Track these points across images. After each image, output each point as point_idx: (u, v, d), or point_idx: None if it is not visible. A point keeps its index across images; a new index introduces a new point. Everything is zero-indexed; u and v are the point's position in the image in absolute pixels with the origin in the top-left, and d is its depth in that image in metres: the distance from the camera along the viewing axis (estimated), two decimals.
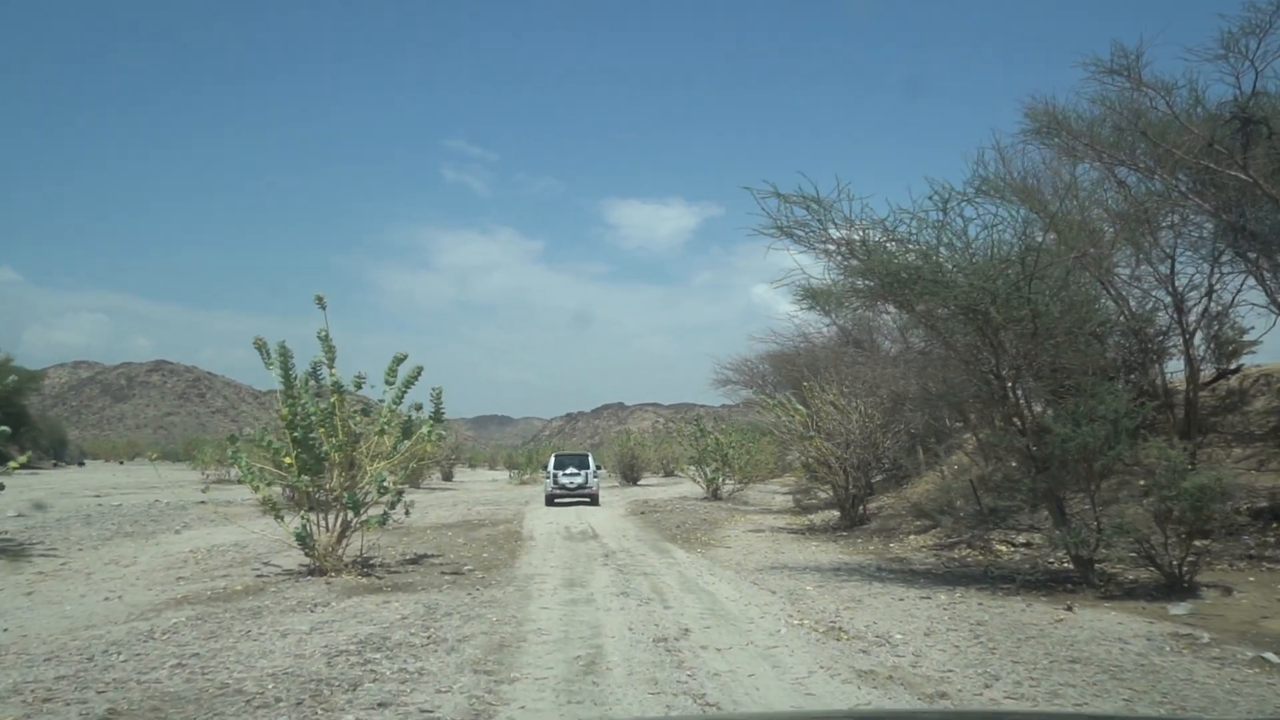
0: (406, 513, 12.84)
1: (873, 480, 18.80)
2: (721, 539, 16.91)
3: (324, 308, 11.47)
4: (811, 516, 22.17)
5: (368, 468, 11.99)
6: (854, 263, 10.84)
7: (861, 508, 18.39)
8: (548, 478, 29.02)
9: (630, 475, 42.73)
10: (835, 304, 21.30)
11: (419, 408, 12.29)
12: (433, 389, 12.07)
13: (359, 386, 11.62)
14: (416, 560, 13.13)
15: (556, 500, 28.22)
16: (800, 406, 18.70)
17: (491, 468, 73.12)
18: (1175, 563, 9.19)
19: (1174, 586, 9.16)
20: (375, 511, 12.16)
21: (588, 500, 28.51)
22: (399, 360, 12.15)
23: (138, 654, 7.15)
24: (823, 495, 29.88)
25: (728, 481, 29.21)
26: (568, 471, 28.78)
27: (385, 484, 11.47)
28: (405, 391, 12.11)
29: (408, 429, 12.23)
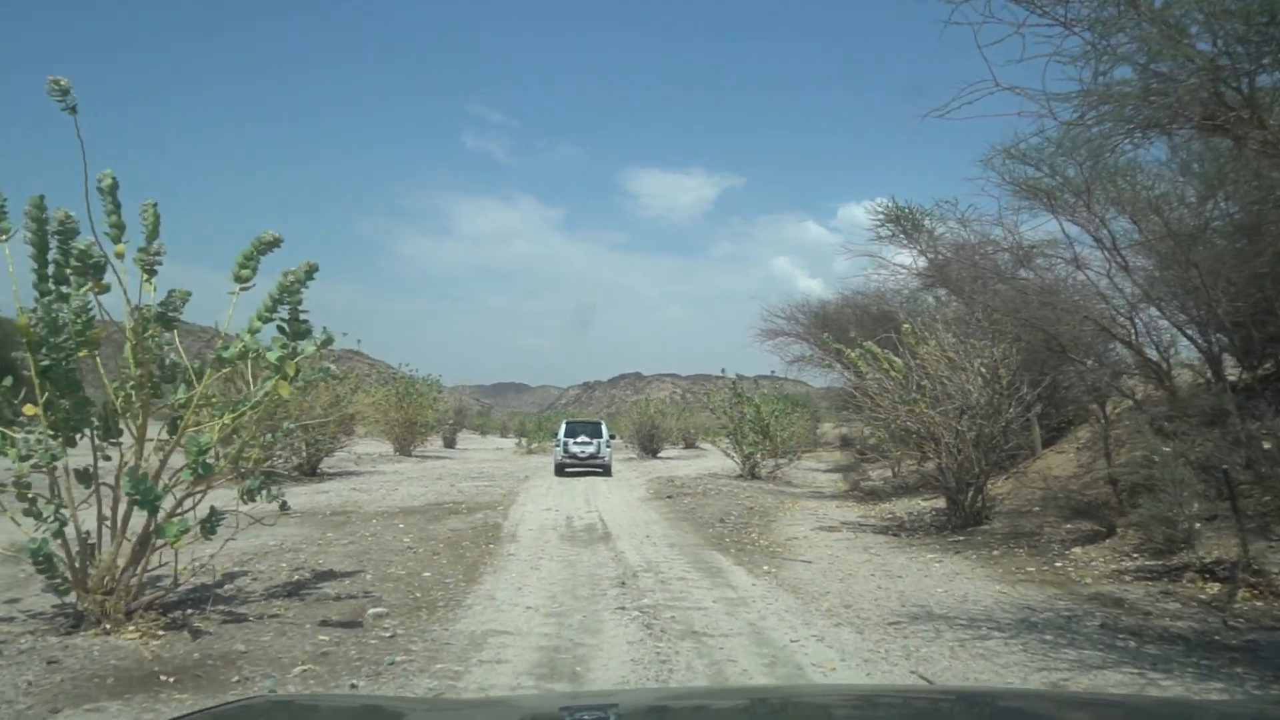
0: (283, 506, 7.23)
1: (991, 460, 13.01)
2: (788, 543, 11.28)
3: (74, 111, 5.69)
4: (888, 505, 16.52)
5: (210, 426, 6.37)
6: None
7: (980, 499, 12.68)
8: (558, 446, 25.71)
9: (649, 447, 37.06)
10: (929, 227, 15.53)
11: (302, 328, 6.57)
12: (287, 275, 6.22)
13: (152, 274, 5.87)
14: (299, 589, 7.51)
15: (566, 470, 24.99)
16: (895, 359, 12.93)
17: (503, 435, 67.50)
18: None
19: None
20: (242, 501, 6.59)
21: (599, 471, 25.08)
22: (266, 244, 6.44)
23: None
24: (877, 474, 24.38)
25: (767, 458, 23.51)
26: (579, 440, 25.51)
27: (208, 459, 5.81)
28: (280, 303, 6.40)
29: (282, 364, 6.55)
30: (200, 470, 5.76)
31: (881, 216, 15.94)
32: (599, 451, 25.46)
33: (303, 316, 6.13)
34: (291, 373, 5.83)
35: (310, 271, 6.63)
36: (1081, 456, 14.87)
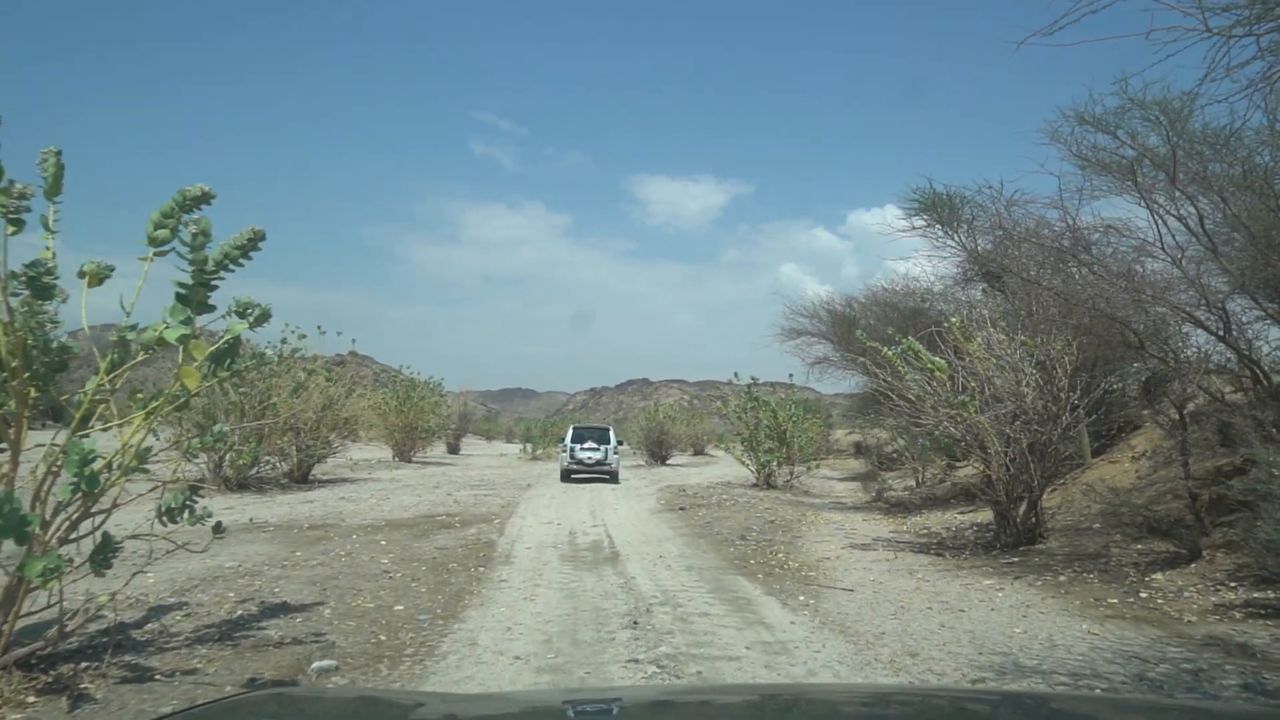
0: (216, 528, 5.74)
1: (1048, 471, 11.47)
2: (821, 565, 9.83)
3: None
4: (919, 519, 15.03)
5: (117, 423, 4.93)
6: None
7: (1034, 515, 11.18)
8: (564, 452, 24.81)
9: (658, 453, 35.58)
10: (970, 216, 14.05)
11: (244, 310, 5.15)
12: (190, 226, 4.71)
13: (19, 225, 4.40)
14: (236, 630, 6.04)
15: (573, 476, 24.31)
16: (936, 359, 11.42)
17: (508, 440, 65.95)
18: None
19: None
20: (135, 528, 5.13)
21: (607, 478, 24.15)
22: (192, 198, 4.99)
23: None
24: (898, 484, 22.88)
25: (783, 466, 22.04)
26: (586, 446, 24.53)
27: (91, 469, 4.34)
28: (215, 275, 4.93)
29: (226, 353, 5.08)
30: (84, 485, 4.32)
31: (915, 204, 14.45)
32: (606, 458, 24.41)
33: (212, 281, 4.64)
34: (198, 356, 4.39)
35: (255, 240, 5.21)
36: (1140, 466, 13.36)
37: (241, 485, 16.91)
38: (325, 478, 20.76)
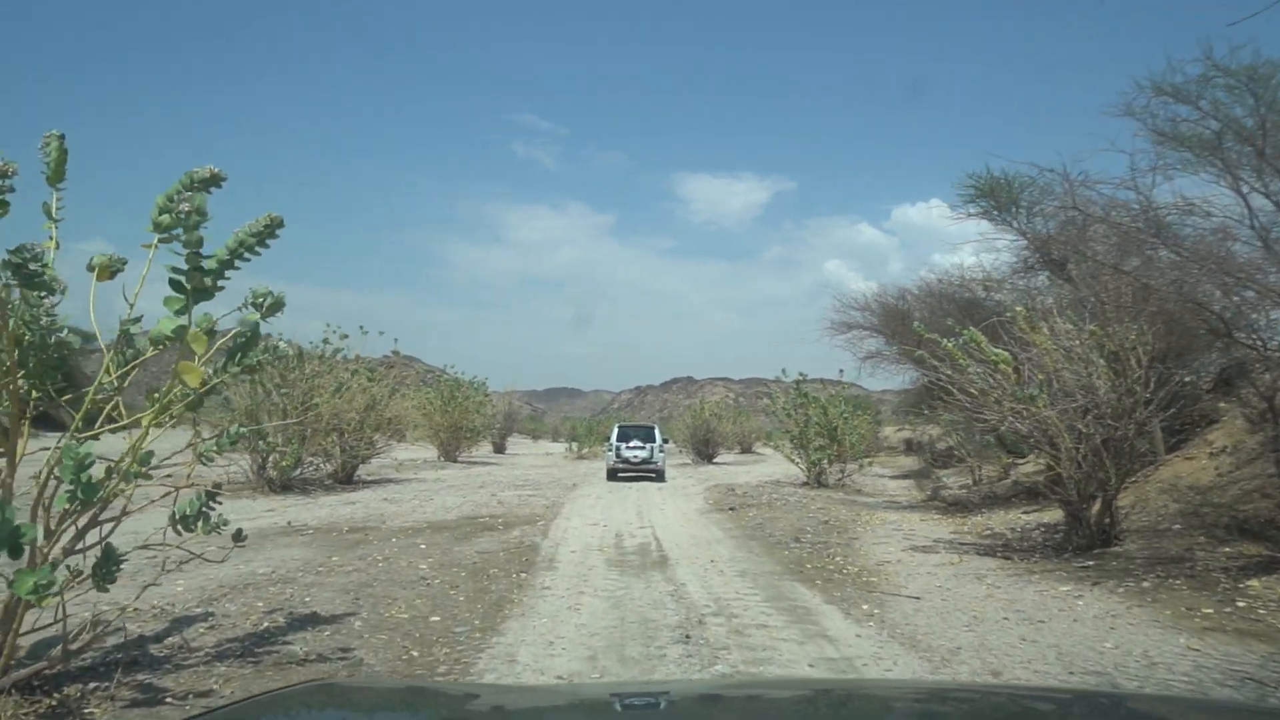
0: (237, 536, 5.32)
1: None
2: (881, 570, 9.22)
3: None
4: (980, 519, 14.29)
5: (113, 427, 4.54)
6: None
7: (1108, 515, 10.43)
8: (609, 450, 24.54)
9: (704, 452, 34.99)
10: (1030, 201, 13.29)
11: (260, 301, 4.74)
12: (184, 204, 4.26)
13: (2, 207, 4.01)
14: (260, 644, 5.62)
15: (619, 475, 23.82)
16: (999, 351, 10.71)
17: (554, 439, 65.72)
18: None
19: None
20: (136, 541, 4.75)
21: (652, 476, 23.66)
22: (200, 180, 4.56)
23: None
24: (953, 481, 22.10)
25: (834, 464, 21.35)
26: (631, 444, 24.15)
27: (89, 475, 3.94)
28: (230, 265, 4.50)
29: (243, 346, 4.67)
30: (81, 493, 3.91)
31: (971, 190, 13.72)
32: (652, 456, 24.00)
33: (225, 270, 4.19)
34: (198, 349, 3.96)
35: (272, 226, 4.80)
36: (1220, 463, 12.51)
37: (285, 487, 16.69)
38: (370, 478, 20.55)
